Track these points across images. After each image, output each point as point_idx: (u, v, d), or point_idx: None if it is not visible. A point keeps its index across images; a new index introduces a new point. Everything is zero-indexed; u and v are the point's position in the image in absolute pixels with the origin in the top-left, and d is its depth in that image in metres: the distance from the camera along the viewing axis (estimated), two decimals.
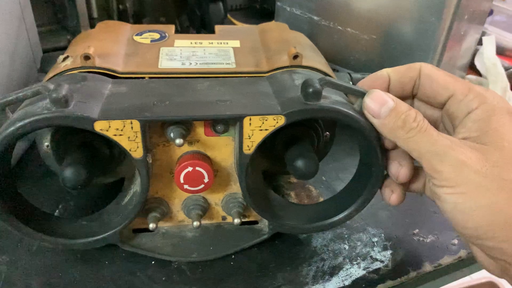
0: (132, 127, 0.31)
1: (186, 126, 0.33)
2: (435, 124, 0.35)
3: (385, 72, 0.34)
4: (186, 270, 0.37)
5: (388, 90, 0.34)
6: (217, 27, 0.49)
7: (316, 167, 0.35)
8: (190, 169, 0.34)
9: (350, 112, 0.32)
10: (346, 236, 0.41)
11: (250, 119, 0.32)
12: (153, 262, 0.37)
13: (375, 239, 0.40)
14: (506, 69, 0.60)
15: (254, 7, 0.83)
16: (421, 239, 0.41)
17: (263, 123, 0.32)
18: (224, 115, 0.32)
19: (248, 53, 0.43)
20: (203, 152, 0.35)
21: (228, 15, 0.69)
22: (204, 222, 0.39)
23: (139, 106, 0.32)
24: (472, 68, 0.62)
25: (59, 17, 0.63)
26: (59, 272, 0.36)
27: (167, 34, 0.46)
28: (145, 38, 0.45)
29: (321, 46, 0.54)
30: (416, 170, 0.34)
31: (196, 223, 0.36)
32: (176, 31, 0.67)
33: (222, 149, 0.36)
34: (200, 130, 0.35)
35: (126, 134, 0.31)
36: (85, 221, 0.37)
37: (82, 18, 0.58)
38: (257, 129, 0.33)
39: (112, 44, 0.42)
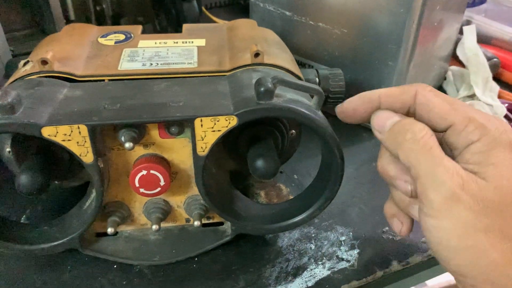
0: (80, 132, 0.31)
1: (138, 129, 0.33)
2: None
3: (377, 95, 0.31)
4: (148, 274, 0.36)
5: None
6: (185, 26, 0.48)
7: (275, 168, 0.34)
8: (144, 172, 0.33)
9: (303, 110, 0.32)
10: (313, 235, 0.40)
11: (201, 120, 0.31)
12: (115, 266, 0.37)
13: (343, 238, 0.40)
14: (489, 59, 0.58)
15: (239, 3, 0.82)
16: (390, 237, 0.40)
17: (215, 124, 0.32)
18: (173, 117, 0.31)
19: (212, 51, 0.42)
20: (159, 154, 0.35)
21: (209, 13, 0.69)
22: (168, 224, 0.39)
23: (88, 110, 0.32)
24: (456, 59, 0.61)
25: (36, 20, 0.63)
26: (21, 278, 0.36)
27: (132, 35, 0.45)
28: (110, 40, 0.44)
29: (295, 42, 0.53)
30: None
31: (155, 227, 0.35)
32: (155, 31, 0.67)
33: (180, 151, 0.35)
34: (154, 133, 0.34)
35: (75, 139, 0.31)
36: (47, 226, 0.37)
37: (57, 20, 0.58)
38: (210, 130, 0.32)
39: (74, 47, 0.42)
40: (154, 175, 0.33)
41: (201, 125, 0.32)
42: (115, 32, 0.46)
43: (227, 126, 0.32)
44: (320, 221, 0.41)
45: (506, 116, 0.53)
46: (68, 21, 0.61)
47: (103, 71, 0.38)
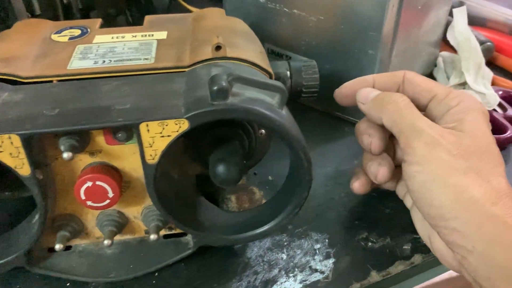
0: (12, 142, 0.28)
1: (80, 136, 0.30)
2: None
3: (371, 76, 0.36)
4: None
5: None
6: (147, 18, 0.44)
7: (237, 174, 0.31)
8: (89, 184, 0.30)
9: (262, 110, 0.28)
10: (285, 243, 0.37)
11: (147, 125, 0.28)
12: (67, 284, 0.34)
13: (318, 246, 0.36)
14: (482, 43, 0.54)
15: None
16: (370, 244, 0.36)
17: (163, 129, 0.28)
18: (114, 122, 0.28)
19: (172, 45, 0.38)
20: (108, 163, 0.32)
21: (184, 2, 0.65)
22: (125, 237, 0.35)
23: (24, 117, 0.29)
24: (448, 44, 0.57)
25: (1, 16, 0.59)
26: None
27: (89, 30, 0.42)
28: (64, 36, 0.41)
29: (271, 31, 0.49)
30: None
31: (106, 242, 0.32)
32: (128, 23, 0.64)
33: (130, 158, 0.32)
34: (100, 139, 0.31)
35: (7, 150, 0.28)
36: None
37: (19, 15, 0.55)
38: (158, 136, 0.29)
39: (22, 46, 0.38)
40: (100, 186, 0.30)
41: (148, 131, 0.28)
42: (71, 28, 0.42)
43: (177, 131, 0.29)
44: (293, 227, 0.38)
45: (499, 105, 0.49)
46: (33, 16, 0.58)
47: (51, 71, 0.35)
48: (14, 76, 0.34)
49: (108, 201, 0.31)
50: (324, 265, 0.35)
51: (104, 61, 0.36)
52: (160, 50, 0.37)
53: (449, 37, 0.55)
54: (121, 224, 0.34)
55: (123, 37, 0.40)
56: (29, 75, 0.34)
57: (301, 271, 0.35)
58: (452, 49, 0.56)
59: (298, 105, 0.51)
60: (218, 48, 0.34)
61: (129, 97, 0.30)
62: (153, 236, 0.33)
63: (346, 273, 0.34)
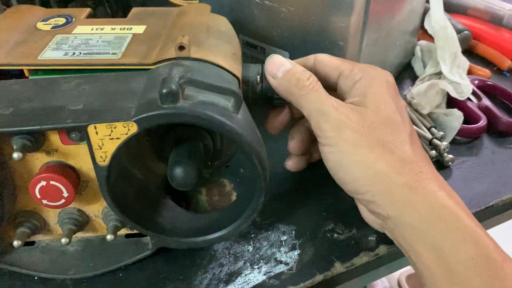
0: None
1: (34, 135, 0.29)
2: None
3: (312, 57, 0.37)
4: (70, 285, 0.34)
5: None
6: (134, 10, 0.43)
7: (191, 177, 0.31)
8: (43, 183, 0.30)
9: (213, 115, 0.28)
10: (252, 235, 0.37)
11: (95, 128, 0.28)
12: (36, 278, 0.34)
13: (284, 238, 0.37)
14: (459, 31, 0.54)
15: None
16: (335, 235, 0.37)
17: (112, 131, 0.28)
18: (62, 125, 0.28)
19: (146, 41, 0.37)
20: (64, 162, 0.31)
21: None
22: (88, 234, 0.35)
23: None
24: (427, 32, 0.56)
25: None
26: None
27: (74, 19, 0.41)
28: (48, 25, 0.40)
29: (244, 22, 0.49)
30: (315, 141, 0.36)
31: (64, 240, 0.32)
32: (106, 15, 0.63)
33: (86, 158, 0.31)
34: (55, 138, 0.30)
35: None
36: None
37: None
38: (107, 138, 0.28)
39: (5, 32, 0.38)
40: (55, 186, 0.30)
41: (96, 133, 0.28)
42: (58, 16, 0.42)
43: (126, 134, 0.28)
44: (261, 219, 0.38)
45: (474, 94, 0.49)
46: (8, 6, 0.57)
47: (21, 60, 0.35)
48: None
49: (63, 200, 0.31)
50: (289, 257, 0.35)
51: (74, 53, 0.35)
52: (132, 45, 0.37)
53: (426, 25, 0.54)
54: (81, 222, 0.34)
55: (102, 29, 0.39)
56: (1, 62, 0.34)
57: (266, 263, 0.35)
58: (431, 37, 0.55)
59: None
60: (181, 47, 0.33)
61: (84, 97, 0.30)
62: (109, 237, 0.33)
63: (310, 264, 0.35)
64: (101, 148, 0.29)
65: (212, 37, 0.38)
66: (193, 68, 0.33)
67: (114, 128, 0.28)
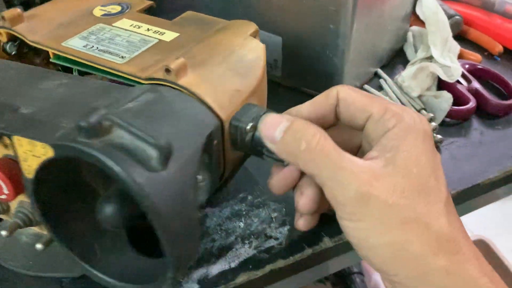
0: None
1: None
2: (359, 149, 0.32)
3: (295, 110, 0.32)
4: (12, 276, 0.34)
5: None
6: (186, 13, 0.41)
7: (113, 217, 0.27)
8: None
9: (112, 165, 0.23)
10: (244, 213, 0.38)
11: (19, 140, 0.27)
12: None
13: (275, 215, 0.38)
14: (450, 16, 0.55)
15: None
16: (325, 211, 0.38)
17: (33, 148, 0.27)
18: None
19: (164, 51, 0.35)
20: (13, 157, 0.30)
21: None
22: (40, 231, 0.34)
23: None
24: (419, 18, 0.57)
25: None
26: None
27: (128, 10, 0.41)
28: (102, 11, 0.40)
29: (235, 8, 0.50)
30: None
31: (3, 232, 0.31)
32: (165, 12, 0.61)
33: (35, 159, 0.29)
34: None
35: None
36: None
37: None
38: (30, 154, 0.28)
39: (58, 11, 0.40)
40: None
41: (21, 145, 0.28)
42: (117, 4, 0.42)
43: (44, 155, 0.27)
44: (253, 198, 0.39)
45: (464, 77, 0.50)
46: (9, 7, 0.58)
47: (47, 42, 0.36)
48: (22, 35, 0.36)
49: (4, 196, 0.30)
50: (279, 232, 0.36)
51: (92, 47, 0.36)
52: (147, 52, 0.35)
53: (418, 11, 0.55)
54: (31, 219, 0.33)
55: (139, 27, 0.38)
56: (34, 39, 0.36)
57: (256, 238, 0.36)
58: (423, 23, 0.56)
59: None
60: (167, 70, 0.31)
61: (46, 101, 0.30)
62: (3, 232, 0.31)
63: (300, 239, 0.36)
64: (26, 161, 0.28)
65: (224, 65, 0.35)
66: (159, 100, 0.30)
67: (35, 146, 0.27)
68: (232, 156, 0.34)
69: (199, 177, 0.31)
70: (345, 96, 0.30)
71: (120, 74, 0.33)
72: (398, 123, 0.27)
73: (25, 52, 0.40)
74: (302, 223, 0.33)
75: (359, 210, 0.26)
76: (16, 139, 0.27)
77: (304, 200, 0.31)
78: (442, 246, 0.25)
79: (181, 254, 0.26)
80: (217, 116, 0.31)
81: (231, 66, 0.35)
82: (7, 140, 0.29)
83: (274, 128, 0.28)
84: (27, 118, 0.28)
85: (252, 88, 0.34)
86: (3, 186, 0.30)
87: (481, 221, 1.39)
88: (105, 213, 0.27)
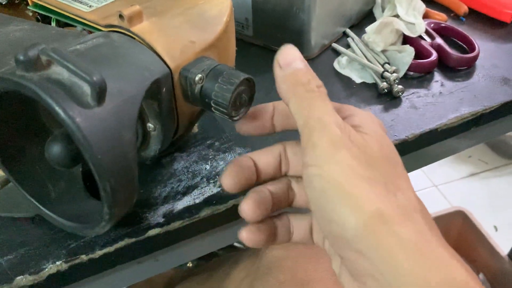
0: None
1: None
2: None
3: (271, 104, 0.31)
4: None
5: (272, 120, 0.31)
6: None
7: (59, 155, 0.29)
8: None
9: (48, 99, 0.24)
10: (210, 157, 0.40)
11: None
12: None
13: None
14: None
15: None
16: None
17: None
18: None
19: (129, 1, 0.36)
20: None
21: None
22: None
23: None
24: None
25: None
26: None
27: None
28: None
29: None
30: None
31: None
32: None
33: None
34: None
35: None
36: None
37: None
38: None
39: None
40: None
41: None
42: None
43: None
44: (220, 144, 0.41)
45: (428, 34, 0.51)
46: None
47: None
48: None
49: None
50: None
51: None
52: (114, 3, 0.37)
53: None
54: None
55: None
56: None
57: None
58: None
59: (239, 41, 0.53)
60: (120, 17, 0.32)
61: (2, 43, 0.31)
62: None
63: None
64: None
65: (183, 17, 0.35)
66: (107, 44, 0.30)
67: None
68: (185, 108, 0.35)
69: (150, 125, 0.33)
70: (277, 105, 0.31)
71: (83, 21, 0.35)
72: (355, 112, 0.28)
73: (17, 3, 0.41)
74: (247, 235, 0.29)
75: (330, 154, 0.24)
76: None
77: (252, 203, 0.29)
78: (411, 218, 0.24)
79: (114, 189, 0.27)
80: (166, 64, 0.31)
81: (190, 19, 0.35)
82: None
83: (291, 61, 0.27)
84: None
85: (209, 42, 0.35)
86: None
87: (464, 196, 1.43)
88: (52, 152, 0.29)
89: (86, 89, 0.25)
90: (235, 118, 0.31)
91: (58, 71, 0.26)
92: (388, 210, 0.23)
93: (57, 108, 0.25)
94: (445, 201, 1.41)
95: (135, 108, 0.28)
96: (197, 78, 0.31)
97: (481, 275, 1.07)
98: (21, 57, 0.25)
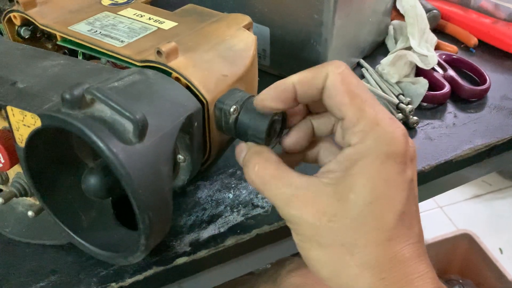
0: None
1: None
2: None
3: (290, 82, 0.29)
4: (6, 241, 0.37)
5: (296, 100, 0.29)
6: (188, 5, 0.44)
7: (95, 186, 0.30)
8: None
9: (91, 136, 0.26)
10: (233, 185, 0.41)
11: (12, 110, 0.30)
12: None
13: None
14: (428, 10, 0.58)
15: None
16: None
17: (24, 118, 0.30)
18: None
19: (161, 37, 0.38)
20: (7, 128, 0.33)
21: None
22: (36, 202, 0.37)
23: None
24: (400, 13, 0.60)
25: None
26: None
27: (134, 0, 0.43)
28: (111, 0, 0.43)
29: (224, 3, 0.53)
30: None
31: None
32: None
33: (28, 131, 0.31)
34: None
35: None
36: None
37: None
38: (21, 123, 0.30)
39: (71, 0, 0.42)
40: None
41: (13, 115, 0.30)
42: None
43: (34, 125, 0.29)
44: (241, 173, 0.42)
45: (441, 66, 0.53)
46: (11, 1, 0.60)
47: (56, 26, 0.39)
48: (33, 18, 0.39)
49: (0, 164, 0.33)
50: (266, 202, 0.39)
51: (95, 31, 0.39)
52: (145, 38, 0.38)
53: (398, 5, 0.59)
54: (26, 189, 0.35)
55: (141, 16, 0.41)
56: (44, 23, 0.39)
57: (244, 207, 0.39)
58: (404, 17, 0.60)
59: None
60: (158, 53, 0.34)
61: (40, 78, 0.32)
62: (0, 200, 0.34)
63: None
64: (18, 130, 0.30)
65: (214, 52, 0.37)
66: (143, 81, 0.32)
67: (25, 116, 0.29)
68: (217, 138, 0.36)
69: (180, 156, 0.34)
70: (330, 84, 0.27)
71: (117, 56, 0.36)
72: (360, 143, 0.26)
73: (38, 36, 0.43)
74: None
75: (296, 227, 0.27)
76: (10, 109, 0.30)
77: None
78: (364, 274, 0.25)
79: (152, 222, 0.28)
80: (203, 97, 0.33)
81: (220, 53, 0.37)
82: (3, 112, 0.31)
83: (239, 155, 0.31)
84: (21, 91, 0.31)
85: (239, 75, 0.36)
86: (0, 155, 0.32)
87: (468, 218, 1.43)
88: (89, 183, 0.30)
89: (128, 126, 0.27)
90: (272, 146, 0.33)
91: (100, 109, 0.27)
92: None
93: (101, 145, 0.26)
94: (449, 222, 1.42)
95: (171, 143, 0.30)
96: (231, 110, 0.33)
97: None
98: (67, 96, 0.26)
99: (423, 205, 1.47)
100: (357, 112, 0.26)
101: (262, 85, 0.54)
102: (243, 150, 0.31)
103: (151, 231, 0.28)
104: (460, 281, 1.07)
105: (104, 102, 0.27)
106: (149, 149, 0.27)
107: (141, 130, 0.27)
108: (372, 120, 0.26)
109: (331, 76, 0.27)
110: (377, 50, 0.58)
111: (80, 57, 0.41)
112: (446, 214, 1.45)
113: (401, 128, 0.26)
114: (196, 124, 0.33)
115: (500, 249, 1.34)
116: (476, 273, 1.10)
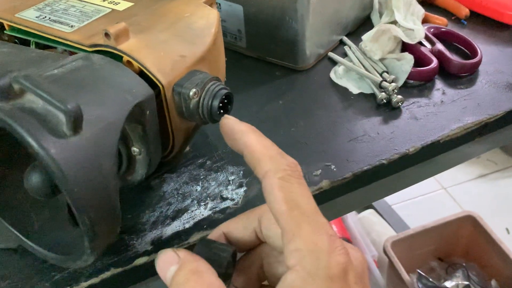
0: None
1: None
2: None
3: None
4: None
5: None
6: None
7: (39, 185, 0.27)
8: None
9: (19, 129, 0.23)
10: (201, 177, 0.38)
11: None
12: None
13: (232, 178, 0.38)
14: None
15: None
16: None
17: None
18: None
19: (114, 19, 0.35)
20: None
21: None
22: None
23: None
24: None
25: None
26: None
27: None
28: None
29: None
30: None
31: None
32: None
33: None
34: None
35: None
36: None
37: None
38: None
39: None
40: None
41: None
42: None
43: None
44: (211, 163, 0.39)
45: (428, 39, 0.49)
46: None
47: (3, 14, 0.36)
48: None
49: None
50: (236, 193, 0.36)
51: (44, 17, 0.36)
52: (97, 21, 0.35)
53: None
54: None
55: None
56: None
57: (212, 200, 0.36)
58: None
59: (232, 53, 0.52)
60: (106, 35, 0.31)
61: None
62: None
63: (255, 199, 0.36)
64: None
65: (170, 31, 0.34)
66: (86, 67, 0.29)
67: None
68: (180, 125, 0.33)
69: (135, 149, 0.31)
70: (267, 194, 0.24)
71: (66, 42, 0.33)
72: (298, 265, 0.22)
73: None
74: None
75: None
76: None
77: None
78: None
79: (94, 223, 0.25)
80: (158, 81, 0.30)
81: (177, 33, 0.34)
82: None
83: (164, 268, 0.25)
84: None
85: (200, 55, 0.34)
86: None
87: (473, 199, 1.40)
88: (31, 181, 0.27)
89: (62, 118, 0.24)
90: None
91: (32, 100, 0.25)
92: None
93: (29, 139, 0.23)
94: (454, 203, 1.39)
95: (116, 135, 0.27)
96: (191, 93, 0.30)
97: (493, 282, 1.04)
98: None
99: (426, 187, 1.44)
100: (294, 227, 0.22)
101: (240, 69, 0.51)
102: (172, 263, 0.24)
103: (94, 233, 0.26)
104: (464, 264, 1.04)
105: (32, 91, 0.24)
106: (87, 142, 0.25)
107: (75, 121, 0.24)
108: (309, 240, 0.22)
109: (269, 180, 0.24)
110: (362, 27, 0.55)
111: (33, 47, 0.38)
112: (451, 195, 1.41)
113: (339, 248, 0.22)
114: (148, 112, 0.30)
115: (507, 229, 1.31)
116: (480, 256, 1.07)
